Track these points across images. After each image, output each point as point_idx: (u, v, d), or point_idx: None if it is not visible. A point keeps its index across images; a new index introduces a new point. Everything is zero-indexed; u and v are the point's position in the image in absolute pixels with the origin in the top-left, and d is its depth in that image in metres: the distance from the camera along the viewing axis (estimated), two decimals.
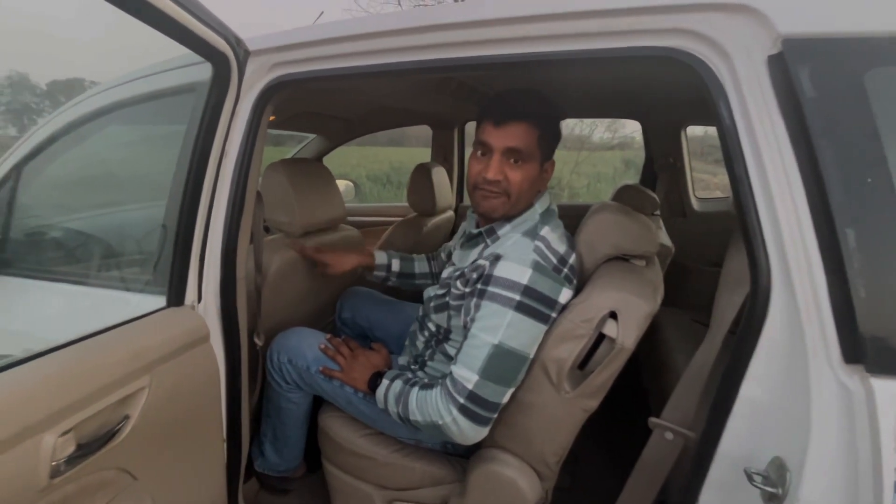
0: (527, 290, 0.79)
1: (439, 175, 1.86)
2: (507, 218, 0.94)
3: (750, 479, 0.56)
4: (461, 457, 1.02)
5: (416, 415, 0.85)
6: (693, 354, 0.80)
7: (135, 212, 1.29)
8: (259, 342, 1.13)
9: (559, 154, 0.98)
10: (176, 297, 0.83)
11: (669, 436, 0.77)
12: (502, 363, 0.79)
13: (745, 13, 0.59)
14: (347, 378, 1.03)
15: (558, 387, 0.82)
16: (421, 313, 1.13)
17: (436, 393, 0.83)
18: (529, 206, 0.94)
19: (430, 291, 1.08)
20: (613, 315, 0.79)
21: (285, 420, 1.17)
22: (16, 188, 1.19)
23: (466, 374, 0.80)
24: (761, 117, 0.59)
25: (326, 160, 2.24)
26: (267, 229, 1.59)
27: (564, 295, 0.84)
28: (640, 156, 2.24)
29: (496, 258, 0.84)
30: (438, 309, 1.00)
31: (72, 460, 0.59)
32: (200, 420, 0.87)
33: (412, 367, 1.09)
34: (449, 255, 1.22)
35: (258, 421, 1.25)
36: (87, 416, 0.61)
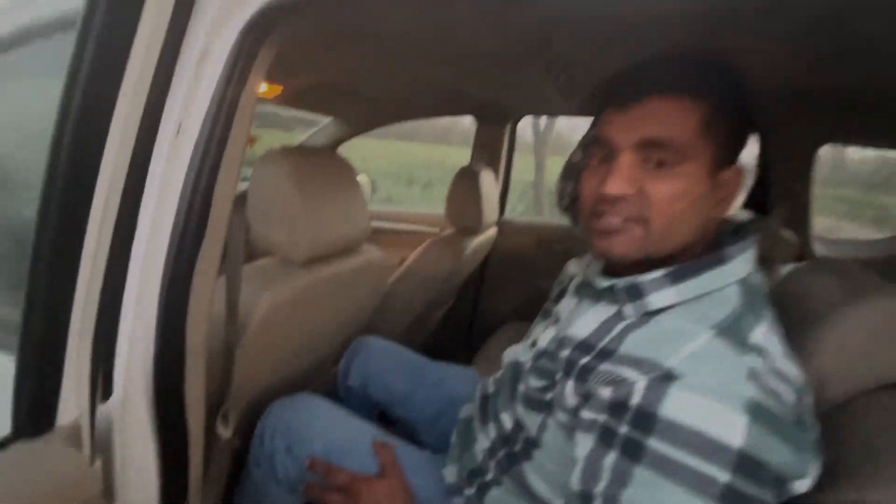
0: (742, 462, 0.38)
1: (488, 182, 1.44)
2: (664, 263, 0.51)
3: None
4: None
5: None
6: None
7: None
8: (226, 433, 0.72)
9: None
10: (35, 414, 0.41)
11: None
12: None
13: None
14: None
15: None
16: (491, 389, 0.72)
17: None
18: (709, 248, 0.52)
19: (519, 355, 0.68)
20: None
21: None
22: None
23: None
24: None
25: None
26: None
27: (806, 478, 0.41)
28: None
29: (664, 377, 0.42)
30: (531, 404, 0.59)
31: None
32: None
33: (465, 490, 0.68)
34: (558, 297, 0.73)
35: None
36: None
